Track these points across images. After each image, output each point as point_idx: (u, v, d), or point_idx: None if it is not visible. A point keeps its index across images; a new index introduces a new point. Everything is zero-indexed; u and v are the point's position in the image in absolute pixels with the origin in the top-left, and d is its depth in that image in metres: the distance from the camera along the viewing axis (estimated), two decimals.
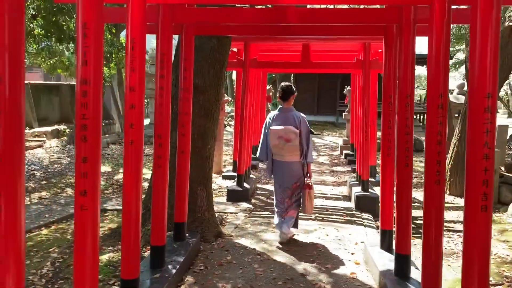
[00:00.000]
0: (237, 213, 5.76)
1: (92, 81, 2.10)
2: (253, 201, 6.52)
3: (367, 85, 6.14)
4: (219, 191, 7.31)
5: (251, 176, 7.63)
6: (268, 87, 12.67)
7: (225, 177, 8.10)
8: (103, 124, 14.26)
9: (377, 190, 6.24)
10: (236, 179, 6.74)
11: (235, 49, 7.04)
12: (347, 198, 6.91)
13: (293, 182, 4.41)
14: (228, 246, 4.34)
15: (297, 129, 4.31)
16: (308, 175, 4.44)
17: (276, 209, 4.53)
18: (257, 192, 7.22)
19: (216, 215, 5.65)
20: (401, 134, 3.33)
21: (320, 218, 5.55)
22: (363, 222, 5.44)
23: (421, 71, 24.84)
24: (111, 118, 15.23)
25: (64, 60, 9.28)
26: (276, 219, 4.52)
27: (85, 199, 2.12)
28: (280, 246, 4.40)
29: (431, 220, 2.58)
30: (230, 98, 9.75)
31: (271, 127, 4.37)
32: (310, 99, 21.70)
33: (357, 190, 6.37)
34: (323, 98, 21.75)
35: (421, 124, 18.93)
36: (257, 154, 4.68)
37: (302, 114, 4.46)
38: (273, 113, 4.54)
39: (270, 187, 7.67)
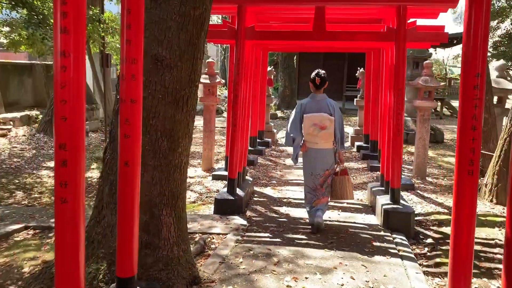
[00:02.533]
0: (226, 234, 4.27)
1: (73, 53, 1.69)
2: (248, 213, 5.03)
3: (402, 63, 4.59)
4: (207, 197, 5.82)
5: (247, 177, 6.12)
6: (269, 68, 11.07)
7: (216, 178, 6.60)
8: None
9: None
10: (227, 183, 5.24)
11: (226, 18, 5.43)
12: (369, 208, 5.41)
13: (326, 169, 4.46)
14: None
15: (332, 116, 4.37)
16: (340, 161, 4.50)
17: (307, 196, 4.57)
18: (254, 199, 5.73)
19: (197, 237, 4.17)
20: (466, 129, 2.22)
21: (340, 245, 4.06)
22: (399, 251, 3.95)
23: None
24: (93, 102, 13.66)
25: (23, 34, 7.67)
26: (307, 209, 4.59)
27: (66, 191, 1.75)
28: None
29: (462, 217, 2.31)
30: (223, 80, 8.16)
31: (305, 115, 4.39)
32: None
33: (384, 201, 4.87)
34: (329, 81, 20.06)
35: (433, 111, 17.24)
36: (284, 142, 5.00)
37: (334, 101, 4.50)
38: (304, 101, 4.54)
39: (270, 191, 6.17)
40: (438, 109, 18.47)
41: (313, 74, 4.47)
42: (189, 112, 3.09)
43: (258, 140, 9.85)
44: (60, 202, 1.76)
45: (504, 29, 15.50)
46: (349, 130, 13.53)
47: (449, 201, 5.84)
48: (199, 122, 10.65)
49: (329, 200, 4.56)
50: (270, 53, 25.37)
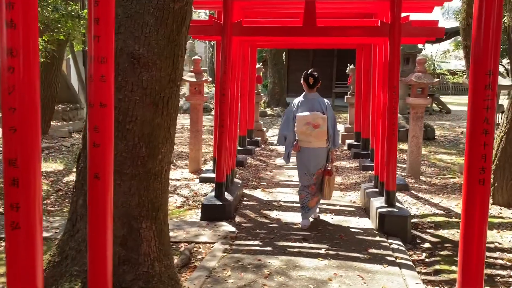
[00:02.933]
0: (213, 243, 4.02)
1: (22, 51, 1.42)
2: (237, 219, 4.78)
3: (396, 59, 4.37)
4: (194, 201, 5.57)
5: (236, 180, 5.87)
6: (258, 65, 10.82)
7: (204, 180, 6.34)
8: (68, 109, 12.31)
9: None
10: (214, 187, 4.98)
11: (213, 13, 5.16)
12: (362, 211, 5.21)
13: (319, 168, 4.48)
14: None
15: (324, 114, 4.37)
16: (331, 160, 4.55)
17: (302, 194, 4.59)
18: (244, 202, 5.48)
19: (182, 247, 3.92)
20: (476, 133, 1.99)
21: (334, 253, 3.84)
22: (396, 258, 3.74)
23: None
24: (78, 101, 13.27)
25: None
26: (302, 208, 4.60)
27: (18, 215, 1.50)
28: None
29: (473, 232, 2.03)
30: (210, 78, 7.89)
31: (297, 114, 4.39)
32: None
33: (379, 203, 4.67)
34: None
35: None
36: (276, 141, 5.05)
37: (326, 100, 4.53)
38: (297, 100, 4.53)
39: (260, 193, 5.93)
40: (428, 105, 18.43)
41: (306, 73, 4.48)
42: (170, 115, 2.82)
43: (247, 139, 9.60)
44: (11, 228, 1.50)
45: None
46: (339, 127, 13.37)
47: (444, 201, 5.67)
48: (186, 121, 10.35)
49: (315, 203, 4.62)
50: (259, 50, 25.12)
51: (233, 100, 5.14)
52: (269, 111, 16.67)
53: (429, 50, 22.50)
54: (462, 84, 29.56)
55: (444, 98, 22.45)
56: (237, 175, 6.84)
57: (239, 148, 8.73)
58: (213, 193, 4.96)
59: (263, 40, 6.12)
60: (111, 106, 2.06)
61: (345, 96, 10.54)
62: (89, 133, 2.05)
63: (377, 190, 5.18)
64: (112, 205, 2.14)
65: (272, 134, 11.98)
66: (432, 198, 5.79)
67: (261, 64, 11.10)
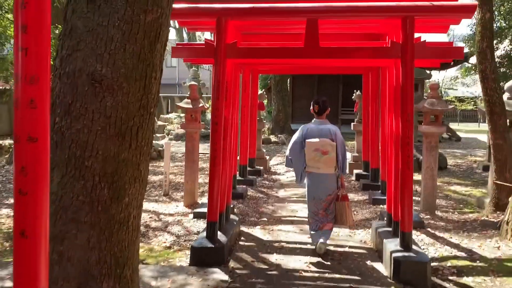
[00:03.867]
0: None
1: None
2: (231, 264, 4.20)
3: (410, 83, 3.88)
4: (185, 240, 5.01)
5: (232, 216, 5.30)
6: (260, 91, 10.42)
7: (198, 216, 5.78)
8: None
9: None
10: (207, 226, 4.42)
11: (208, 35, 4.73)
12: (374, 253, 4.60)
13: (328, 194, 4.46)
14: None
15: (333, 141, 4.39)
16: (342, 186, 4.50)
17: (310, 220, 4.60)
18: (240, 243, 4.90)
19: None
20: None
21: None
22: None
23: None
24: None
25: None
26: (312, 232, 4.58)
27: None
28: None
29: None
30: (207, 105, 7.45)
31: (307, 140, 4.42)
32: (309, 106, 19.42)
33: (394, 246, 4.08)
34: None
35: None
36: (285, 164, 5.03)
37: (335, 127, 4.54)
38: (306, 126, 4.57)
39: (259, 231, 5.36)
40: (443, 133, 17.89)
41: (313, 100, 4.60)
42: (140, 148, 2.32)
43: (248, 169, 9.08)
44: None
45: (503, 50, 15.05)
46: (348, 156, 12.84)
47: (465, 241, 5.06)
48: (181, 148, 9.86)
49: (333, 226, 4.56)
50: (264, 77, 24.89)
51: (229, 128, 4.65)
52: (273, 138, 16.19)
53: (435, 77, 22.11)
54: (470, 111, 29.06)
55: (452, 125, 21.91)
56: (235, 210, 6.29)
57: (239, 178, 8.21)
58: (205, 233, 4.40)
59: (262, 63, 5.69)
60: (45, 140, 1.56)
61: (352, 123, 10.05)
62: (15, 175, 1.54)
63: (390, 229, 4.59)
64: (46, 271, 1.61)
65: (276, 162, 11.46)
66: (451, 237, 5.17)
67: (263, 90, 10.70)
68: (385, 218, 5.35)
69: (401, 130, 3.97)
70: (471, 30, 13.83)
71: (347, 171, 9.32)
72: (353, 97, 10.16)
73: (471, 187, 8.46)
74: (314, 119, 4.58)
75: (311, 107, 4.59)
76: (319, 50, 4.02)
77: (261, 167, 9.63)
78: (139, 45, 2.24)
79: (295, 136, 4.60)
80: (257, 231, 5.34)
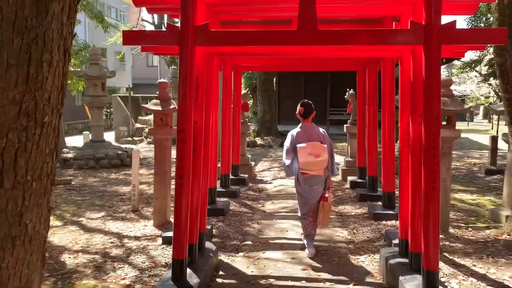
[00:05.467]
0: None
1: None
2: None
3: (435, 75, 2.96)
4: (150, 275, 4.00)
5: (208, 245, 4.29)
6: (243, 91, 9.44)
7: (168, 241, 4.75)
8: None
9: None
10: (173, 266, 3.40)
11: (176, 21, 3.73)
12: None
13: (318, 196, 4.53)
14: None
15: (322, 143, 4.48)
16: (328, 187, 4.59)
17: (303, 223, 4.69)
18: (218, 280, 3.90)
19: None
20: None
21: None
22: None
23: None
24: None
25: None
26: (305, 234, 4.68)
27: None
28: None
29: None
30: None
31: (298, 145, 4.45)
32: (295, 106, 18.48)
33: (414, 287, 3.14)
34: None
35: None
36: (285, 173, 4.94)
37: (323, 129, 4.65)
38: (294, 131, 4.59)
39: (242, 262, 4.37)
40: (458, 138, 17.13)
41: (300, 103, 4.61)
42: (23, 187, 1.32)
43: (232, 177, 8.09)
44: None
45: None
46: (338, 159, 11.90)
47: (492, 270, 4.16)
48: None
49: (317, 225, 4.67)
50: (249, 77, 23.87)
51: (202, 136, 3.65)
52: (259, 140, 15.22)
53: None
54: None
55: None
56: (214, 230, 5.30)
57: (220, 190, 7.22)
58: (171, 272, 3.40)
59: (244, 54, 4.68)
60: None
61: (345, 125, 9.13)
62: None
63: (405, 261, 3.66)
64: None
65: (262, 167, 10.48)
66: (474, 265, 4.27)
67: (247, 90, 9.74)
68: (393, 241, 4.44)
69: (424, 139, 3.03)
70: (469, 21, 12.92)
71: (338, 172, 8.59)
72: (345, 96, 9.24)
73: (477, 195, 7.63)
74: (301, 124, 4.60)
75: (297, 111, 4.59)
76: (317, 34, 3.05)
77: (246, 175, 8.64)
78: (13, 2, 1.24)
79: (286, 144, 4.60)
80: (239, 262, 4.35)
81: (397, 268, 3.59)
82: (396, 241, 4.41)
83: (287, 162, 4.52)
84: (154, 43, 3.36)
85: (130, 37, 3.22)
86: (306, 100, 4.64)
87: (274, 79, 18.43)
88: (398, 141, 4.39)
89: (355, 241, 5.04)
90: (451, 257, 4.46)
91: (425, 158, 3.05)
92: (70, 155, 10.28)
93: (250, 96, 9.75)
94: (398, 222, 5.63)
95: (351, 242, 5.02)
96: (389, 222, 5.67)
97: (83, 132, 15.07)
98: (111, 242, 5.00)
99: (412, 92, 3.41)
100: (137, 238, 5.13)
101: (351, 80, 13.80)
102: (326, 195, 4.51)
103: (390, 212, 5.82)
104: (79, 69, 11.02)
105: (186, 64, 3.12)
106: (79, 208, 6.60)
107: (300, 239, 5.01)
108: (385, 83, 5.79)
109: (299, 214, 4.75)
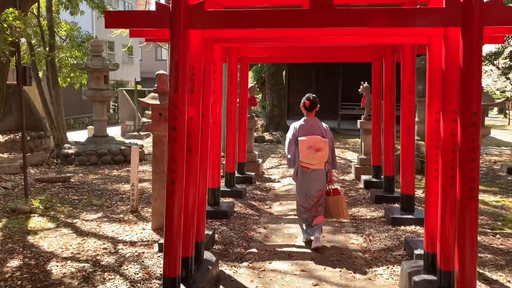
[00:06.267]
0: None
1: None
2: None
3: (476, 61, 2.46)
4: None
5: (207, 255, 3.85)
6: (250, 84, 8.96)
7: None
8: (28, 138, 10.38)
9: None
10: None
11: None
12: None
13: (319, 189, 4.57)
14: None
15: (324, 137, 4.53)
16: (330, 181, 4.65)
17: (301, 216, 4.70)
18: None
19: None
20: None
21: None
22: None
23: None
24: (43, 129, 11.38)
25: None
26: (303, 227, 4.71)
27: None
28: None
29: None
30: None
31: (299, 138, 4.51)
32: None
33: None
34: (321, 99, 17.95)
35: None
36: (288, 166, 4.91)
37: (325, 124, 4.69)
38: (297, 124, 4.65)
39: (245, 273, 3.92)
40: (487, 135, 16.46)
41: (305, 97, 4.63)
42: None
43: (237, 175, 7.65)
44: None
45: None
46: (346, 154, 11.39)
47: None
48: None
49: (324, 219, 4.67)
50: (258, 70, 23.27)
51: (199, 133, 3.20)
52: (267, 136, 14.74)
53: None
54: None
55: None
56: (216, 235, 4.87)
57: (225, 189, 6.78)
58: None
59: (248, 39, 4.16)
60: None
61: (358, 121, 8.61)
62: None
63: (433, 279, 3.18)
64: None
65: (270, 164, 10.02)
66: (509, 281, 3.77)
67: (254, 83, 9.25)
68: (415, 252, 3.95)
69: (460, 139, 2.54)
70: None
71: (351, 177, 8.15)
72: (359, 90, 8.70)
73: (500, 196, 7.09)
74: (304, 117, 4.65)
75: (301, 104, 4.63)
76: (332, 14, 2.57)
77: (253, 173, 8.19)
78: None
79: (289, 136, 4.66)
80: (242, 274, 3.90)
81: (422, 285, 3.11)
82: (418, 251, 3.94)
83: (289, 155, 4.60)
84: (141, 25, 2.89)
85: (114, 19, 2.76)
86: (312, 94, 4.67)
87: (284, 73, 17.91)
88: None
89: (372, 250, 4.56)
90: (481, 271, 3.96)
91: (461, 162, 2.56)
92: (71, 151, 9.91)
93: (258, 89, 9.27)
94: (418, 227, 5.17)
95: (367, 250, 4.54)
96: (408, 228, 5.18)
97: (88, 127, 14.75)
98: (104, 248, 4.59)
99: (444, 84, 2.90)
100: (132, 243, 4.71)
101: (364, 73, 13.23)
102: (333, 187, 4.62)
103: (409, 216, 5.32)
104: (81, 62, 10.63)
105: (178, 50, 2.65)
106: (75, 208, 6.22)
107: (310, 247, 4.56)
108: (405, 75, 5.27)
109: (297, 207, 4.77)
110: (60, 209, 6.17)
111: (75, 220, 5.64)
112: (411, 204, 5.44)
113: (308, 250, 4.52)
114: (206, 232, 4.48)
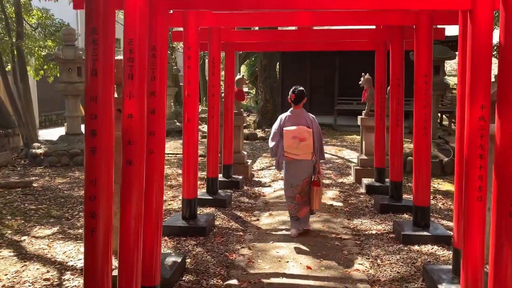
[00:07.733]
0: None
1: None
2: None
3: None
4: None
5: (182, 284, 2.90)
6: (238, 76, 7.99)
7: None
8: None
9: None
10: None
11: None
12: None
13: (304, 179, 4.63)
14: None
15: (309, 128, 4.60)
16: (318, 172, 4.67)
17: (289, 206, 4.75)
18: None
19: None
20: None
21: None
22: None
23: None
24: (11, 126, 10.36)
25: None
26: (292, 219, 4.76)
27: None
28: None
29: None
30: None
31: (284, 128, 4.60)
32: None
33: None
34: (316, 93, 17.03)
35: (439, 126, 13.74)
36: (270, 155, 5.02)
37: (312, 115, 4.75)
38: (284, 115, 4.75)
39: None
40: (446, 122, 15.51)
41: (291, 90, 4.67)
42: None
43: (222, 179, 6.73)
44: None
45: None
46: (343, 153, 10.44)
47: None
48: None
49: (308, 210, 4.71)
50: (252, 64, 22.24)
51: (143, 137, 2.24)
52: (259, 133, 13.80)
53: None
54: None
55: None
56: (187, 260, 3.93)
57: (206, 197, 5.86)
58: None
59: (231, 21, 3.20)
60: None
61: (359, 117, 7.67)
62: None
63: None
64: None
65: (261, 165, 9.08)
66: None
67: (242, 75, 8.29)
68: (439, 286, 3.04)
69: (499, 142, 1.61)
70: None
71: (351, 179, 7.38)
72: (360, 82, 7.75)
73: None
74: (291, 108, 4.70)
75: (288, 96, 4.69)
76: None
77: (241, 176, 7.25)
78: None
79: (274, 126, 4.73)
80: None
81: None
82: (444, 286, 3.02)
83: (272, 144, 4.67)
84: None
85: None
86: (299, 87, 4.72)
87: (277, 65, 16.94)
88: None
89: (381, 280, 3.63)
90: None
91: (496, 169, 1.63)
92: (40, 151, 8.91)
93: (247, 82, 8.33)
94: (435, 247, 4.25)
95: (375, 281, 3.61)
96: (423, 248, 4.26)
97: (65, 124, 13.71)
98: (46, 279, 3.64)
99: (472, 72, 1.96)
100: (83, 272, 3.76)
101: (362, 65, 12.29)
102: (316, 179, 4.61)
103: (424, 233, 4.41)
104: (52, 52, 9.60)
105: (98, 10, 1.69)
106: (28, 221, 5.26)
107: (306, 277, 3.64)
108: (419, 62, 4.33)
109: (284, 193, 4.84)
110: (9, 222, 5.21)
111: (23, 238, 4.69)
112: (426, 217, 4.53)
113: (302, 282, 3.59)
114: (173, 259, 3.57)
